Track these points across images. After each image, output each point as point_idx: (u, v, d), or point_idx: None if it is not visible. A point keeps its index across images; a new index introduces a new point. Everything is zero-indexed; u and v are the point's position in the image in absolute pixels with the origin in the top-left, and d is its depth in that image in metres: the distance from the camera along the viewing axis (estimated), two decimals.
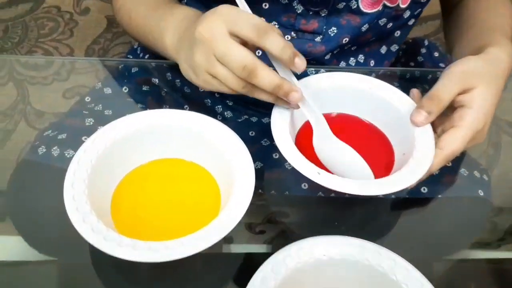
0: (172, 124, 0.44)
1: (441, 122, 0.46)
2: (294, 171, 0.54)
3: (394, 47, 0.63)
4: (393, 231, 0.50)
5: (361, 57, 0.61)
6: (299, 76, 0.45)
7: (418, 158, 0.43)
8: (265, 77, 0.40)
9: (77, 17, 1.16)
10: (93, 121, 0.54)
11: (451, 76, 0.45)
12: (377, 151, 0.48)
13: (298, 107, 0.44)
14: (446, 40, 0.65)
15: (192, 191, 0.43)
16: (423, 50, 0.73)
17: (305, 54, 0.56)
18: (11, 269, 0.44)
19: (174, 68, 0.62)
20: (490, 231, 0.52)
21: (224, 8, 0.40)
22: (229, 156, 0.41)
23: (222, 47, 0.39)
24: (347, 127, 0.50)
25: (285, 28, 0.56)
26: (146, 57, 0.69)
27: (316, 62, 0.58)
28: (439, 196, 0.52)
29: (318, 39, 0.56)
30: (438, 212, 0.52)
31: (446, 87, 0.44)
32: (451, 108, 0.45)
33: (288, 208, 0.51)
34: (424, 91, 0.54)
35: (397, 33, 0.61)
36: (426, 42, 0.74)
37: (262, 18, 0.43)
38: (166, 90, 0.63)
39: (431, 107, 0.44)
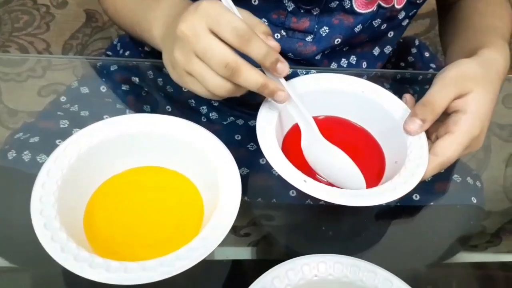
0: (151, 130, 0.41)
1: (435, 128, 0.44)
2: (281, 177, 0.52)
3: (388, 49, 0.61)
4: (383, 241, 0.48)
5: (353, 58, 0.59)
6: (288, 77, 0.43)
7: (410, 167, 0.41)
8: (250, 76, 0.38)
9: (54, 10, 1.12)
10: (68, 123, 0.51)
11: (445, 81, 0.43)
12: (368, 157, 0.46)
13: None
14: (441, 41, 0.63)
15: (173, 203, 0.40)
16: (414, 50, 0.72)
17: (295, 53, 0.54)
18: None
19: (157, 66, 0.59)
20: (478, 234, 0.51)
21: (206, 5, 0.38)
22: (213, 164, 0.39)
23: (203, 43, 0.37)
24: (336, 131, 0.48)
25: (274, 26, 0.53)
26: (126, 53, 0.66)
27: (306, 62, 0.56)
28: (432, 204, 0.50)
29: (309, 38, 0.53)
30: (431, 220, 0.51)
31: (440, 92, 0.42)
32: (445, 114, 0.43)
33: (274, 211, 0.49)
34: (415, 93, 0.52)
35: (391, 34, 0.59)
36: (416, 42, 0.72)
37: (247, 14, 0.40)
38: (147, 90, 0.59)
39: (425, 114, 0.42)
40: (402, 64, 0.71)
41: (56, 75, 0.62)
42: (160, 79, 0.59)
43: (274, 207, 0.49)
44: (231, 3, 0.39)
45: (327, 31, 0.53)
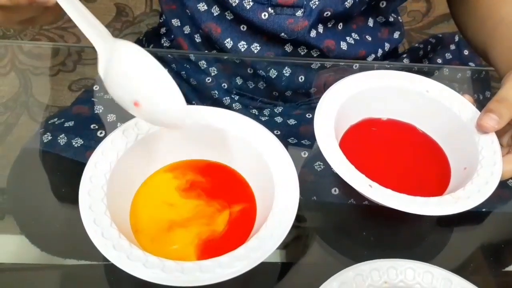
0: (203, 123, 0.39)
1: (504, 131, 0.41)
2: (323, 173, 0.49)
3: (381, 19, 0.58)
4: (432, 246, 0.45)
5: (355, 35, 0.56)
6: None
7: (484, 175, 0.38)
8: None
9: (84, 3, 1.11)
10: (102, 108, 0.50)
11: None
12: (430, 163, 0.43)
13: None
14: (459, 27, 0.59)
15: (224, 198, 0.38)
16: (452, 47, 0.68)
17: (287, 32, 0.51)
18: (11, 272, 0.41)
19: (180, 59, 0.57)
20: None
21: None
22: (266, 160, 0.37)
23: None
24: (398, 136, 0.45)
25: (261, 5, 0.50)
26: (150, 47, 0.64)
27: (303, 42, 0.52)
28: (484, 210, 0.47)
29: (299, 13, 0.50)
30: (486, 227, 0.47)
31: None
32: None
33: (308, 211, 0.46)
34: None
35: (383, 4, 0.56)
36: (456, 38, 0.68)
37: None
38: None
39: (502, 110, 0.39)
40: (439, 60, 0.67)
41: (87, 70, 0.61)
42: (184, 72, 0.57)
43: (314, 206, 0.47)
44: None
45: (316, 3, 0.50)
